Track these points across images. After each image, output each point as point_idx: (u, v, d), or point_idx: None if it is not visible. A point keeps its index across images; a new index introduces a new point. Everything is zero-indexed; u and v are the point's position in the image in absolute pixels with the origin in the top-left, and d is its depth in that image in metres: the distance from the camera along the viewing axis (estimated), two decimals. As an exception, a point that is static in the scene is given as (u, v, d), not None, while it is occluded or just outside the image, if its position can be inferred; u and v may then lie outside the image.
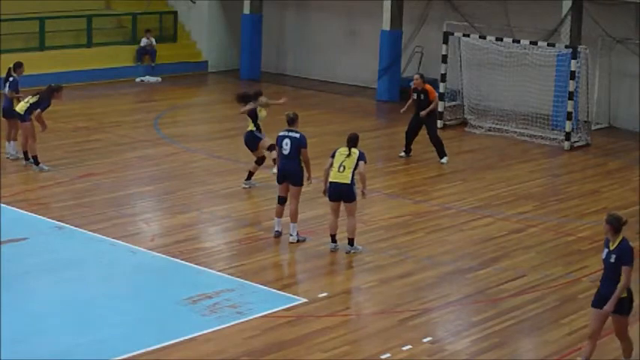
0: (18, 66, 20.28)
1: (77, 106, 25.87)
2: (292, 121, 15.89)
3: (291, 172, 15.69)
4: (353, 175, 15.10)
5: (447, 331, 12.82)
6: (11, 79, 19.98)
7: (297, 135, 15.69)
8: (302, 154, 15.61)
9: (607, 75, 25.82)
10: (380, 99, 28.48)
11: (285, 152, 15.68)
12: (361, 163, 15.14)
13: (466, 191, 19.32)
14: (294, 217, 15.69)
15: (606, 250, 11.22)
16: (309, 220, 16.65)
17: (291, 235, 15.74)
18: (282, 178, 15.84)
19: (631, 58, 25.46)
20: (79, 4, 30.46)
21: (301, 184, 15.71)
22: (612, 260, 11.12)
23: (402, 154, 21.78)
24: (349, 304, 13.64)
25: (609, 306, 11.06)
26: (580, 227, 17.23)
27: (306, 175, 15.70)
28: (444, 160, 21.37)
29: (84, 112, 25.22)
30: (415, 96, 21.51)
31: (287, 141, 15.65)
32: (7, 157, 19.89)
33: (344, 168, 15.10)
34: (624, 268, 11.05)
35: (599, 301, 11.25)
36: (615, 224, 11.15)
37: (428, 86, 21.61)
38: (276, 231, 15.94)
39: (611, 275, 11.17)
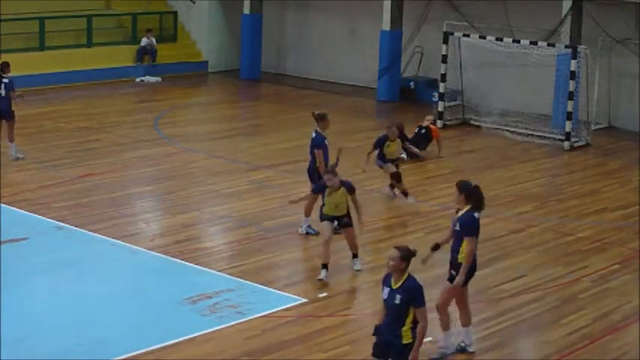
0: (6, 66, 20.11)
1: (77, 106, 25.87)
2: (316, 120, 16.14)
3: (307, 171, 16.05)
4: (348, 206, 14.43)
5: (447, 331, 12.80)
6: (6, 80, 19.87)
7: (313, 135, 15.98)
8: (316, 155, 15.82)
9: (607, 75, 25.80)
10: (380, 99, 28.47)
11: None
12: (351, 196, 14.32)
13: (466, 191, 19.28)
14: (307, 213, 15.90)
15: (387, 290, 9.70)
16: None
17: (300, 227, 15.96)
18: None
19: (631, 58, 25.44)
20: (79, 4, 30.44)
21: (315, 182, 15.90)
22: (397, 301, 9.59)
23: None
24: (349, 304, 13.63)
25: (414, 355, 9.61)
26: (580, 227, 17.22)
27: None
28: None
29: (84, 112, 25.19)
30: (417, 130, 21.98)
31: None
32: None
33: (337, 205, 14.26)
34: (419, 311, 9.62)
35: (380, 349, 9.87)
36: (405, 255, 9.70)
37: (433, 126, 22.18)
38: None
39: (395, 317, 9.66)
